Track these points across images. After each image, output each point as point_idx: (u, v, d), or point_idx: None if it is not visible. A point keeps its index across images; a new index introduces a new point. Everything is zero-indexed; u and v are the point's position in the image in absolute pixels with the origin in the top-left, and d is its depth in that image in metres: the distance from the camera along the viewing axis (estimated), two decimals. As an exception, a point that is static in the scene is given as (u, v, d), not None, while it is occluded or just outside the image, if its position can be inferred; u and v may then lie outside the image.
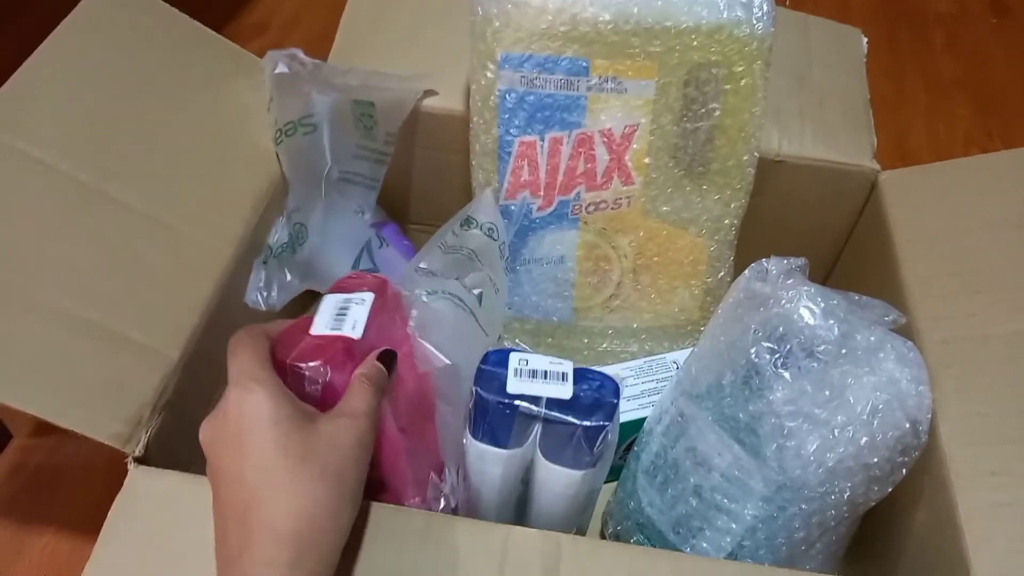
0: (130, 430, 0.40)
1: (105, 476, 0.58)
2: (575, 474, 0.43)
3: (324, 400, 0.38)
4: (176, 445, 0.43)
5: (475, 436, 0.43)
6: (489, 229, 0.54)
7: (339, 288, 0.42)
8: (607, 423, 0.41)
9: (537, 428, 0.42)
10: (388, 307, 0.43)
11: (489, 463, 0.44)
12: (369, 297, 0.41)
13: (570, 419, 0.41)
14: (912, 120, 0.94)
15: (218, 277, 0.47)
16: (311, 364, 0.37)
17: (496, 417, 0.41)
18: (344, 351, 0.38)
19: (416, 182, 0.65)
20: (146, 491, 0.39)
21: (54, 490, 0.59)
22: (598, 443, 0.42)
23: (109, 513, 0.39)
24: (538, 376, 0.42)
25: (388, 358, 0.40)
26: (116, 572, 0.38)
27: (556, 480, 0.44)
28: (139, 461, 0.40)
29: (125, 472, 0.40)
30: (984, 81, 0.99)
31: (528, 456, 0.44)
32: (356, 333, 0.39)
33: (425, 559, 0.37)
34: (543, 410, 0.41)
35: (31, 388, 0.39)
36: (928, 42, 1.04)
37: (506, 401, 0.41)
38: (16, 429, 0.62)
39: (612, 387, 0.43)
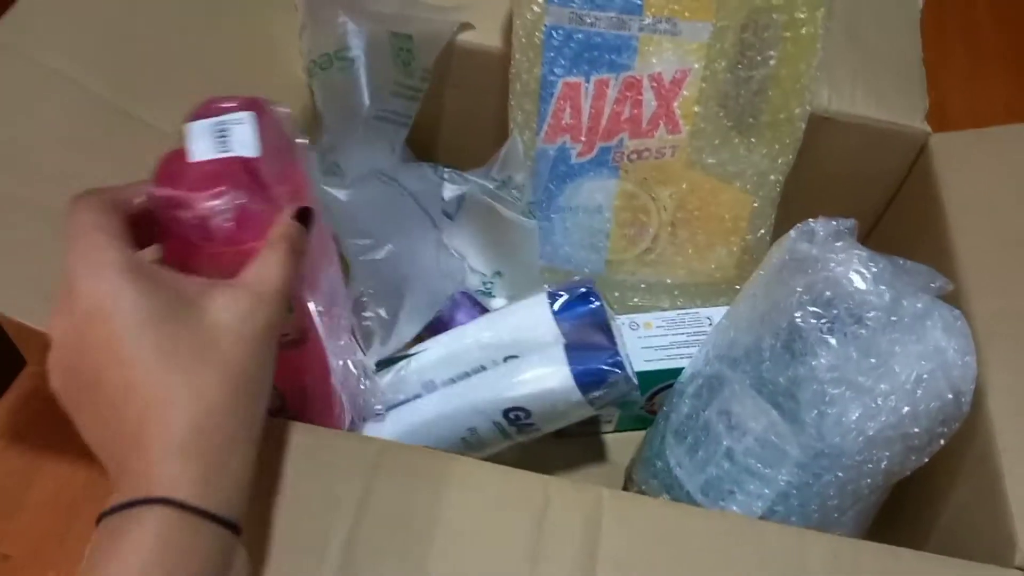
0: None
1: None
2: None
3: (240, 242, 0.31)
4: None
5: None
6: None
7: (202, 115, 0.33)
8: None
9: None
10: (275, 131, 0.34)
11: None
12: (248, 117, 0.32)
13: None
14: (953, 87, 0.91)
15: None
16: (211, 194, 0.29)
17: None
18: (248, 172, 0.30)
19: (445, 122, 0.63)
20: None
21: (68, 419, 0.58)
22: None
23: None
24: None
25: (305, 216, 0.33)
26: None
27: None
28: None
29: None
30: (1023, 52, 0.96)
31: None
32: (252, 152, 0.31)
33: (459, 506, 0.36)
34: None
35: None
36: (971, 10, 1.01)
37: None
38: (30, 356, 0.60)
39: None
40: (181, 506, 0.26)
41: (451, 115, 0.62)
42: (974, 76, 0.93)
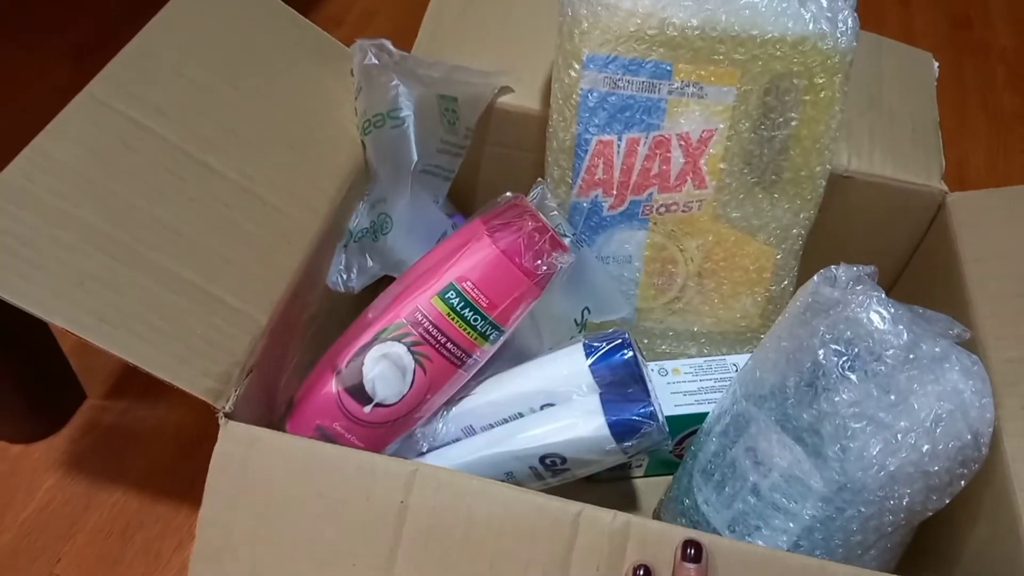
0: (221, 387, 0.42)
1: (174, 439, 0.61)
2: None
3: None
4: (255, 402, 0.45)
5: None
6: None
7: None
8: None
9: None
10: None
11: None
12: None
13: None
14: (972, 151, 0.94)
15: (304, 249, 0.49)
16: None
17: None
18: None
19: (483, 177, 0.67)
20: (239, 444, 0.41)
21: (124, 449, 0.61)
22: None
23: (210, 468, 0.41)
24: None
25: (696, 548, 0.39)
26: (226, 526, 0.40)
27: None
28: (227, 417, 0.42)
29: (193, 436, 0.42)
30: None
31: None
32: None
33: (489, 530, 0.39)
34: None
35: (134, 339, 0.41)
36: (991, 75, 1.04)
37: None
38: (91, 389, 0.64)
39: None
40: None
41: (491, 170, 0.66)
42: (993, 140, 0.96)
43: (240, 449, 0.41)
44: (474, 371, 0.49)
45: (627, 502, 0.60)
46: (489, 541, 0.40)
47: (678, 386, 0.57)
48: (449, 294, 0.47)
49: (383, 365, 0.47)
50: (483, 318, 0.47)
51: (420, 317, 0.47)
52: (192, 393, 0.41)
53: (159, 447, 0.61)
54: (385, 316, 0.48)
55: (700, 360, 0.59)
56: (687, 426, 0.56)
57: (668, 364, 0.58)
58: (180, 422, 0.62)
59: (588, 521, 0.39)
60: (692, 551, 0.38)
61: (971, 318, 0.50)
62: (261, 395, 0.47)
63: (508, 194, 0.52)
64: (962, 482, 0.44)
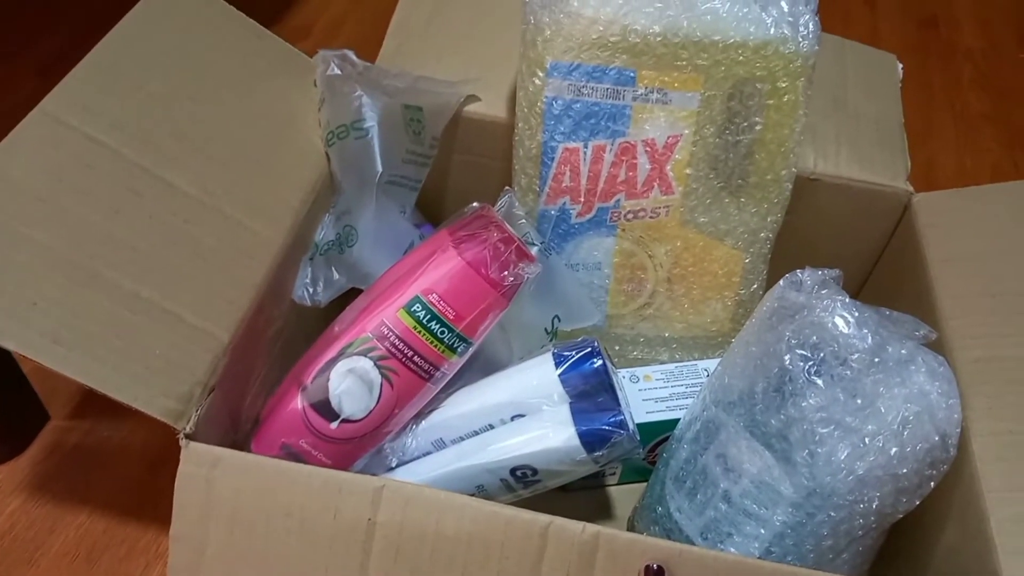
0: (182, 407, 0.42)
1: (139, 459, 0.60)
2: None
3: None
4: (218, 422, 0.44)
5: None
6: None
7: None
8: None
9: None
10: None
11: None
12: None
13: None
14: (940, 152, 0.95)
15: (268, 264, 0.49)
16: None
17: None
18: None
19: (452, 186, 0.67)
20: (202, 465, 0.41)
21: (89, 470, 0.60)
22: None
23: (176, 490, 0.40)
24: None
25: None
26: (197, 546, 0.40)
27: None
28: (188, 438, 0.41)
29: (159, 455, 0.41)
30: (1012, 116, 1.00)
31: None
32: None
33: (457, 543, 0.38)
34: None
35: (89, 361, 0.40)
36: (957, 76, 1.05)
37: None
38: (54, 410, 0.63)
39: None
40: None
41: (459, 179, 0.66)
42: (960, 141, 0.96)
43: (203, 470, 0.41)
44: (442, 384, 0.49)
45: (601, 511, 0.60)
46: (458, 556, 0.39)
47: (649, 392, 0.57)
48: (415, 307, 0.46)
49: (349, 380, 0.46)
50: (450, 331, 0.47)
51: (386, 331, 0.46)
52: (151, 415, 0.40)
53: (125, 467, 0.60)
54: (351, 330, 0.47)
55: (671, 366, 0.59)
56: (659, 433, 0.56)
57: (639, 371, 0.58)
58: (145, 442, 0.61)
59: (557, 533, 0.39)
60: (655, 568, 0.38)
61: (938, 319, 0.51)
62: (224, 414, 0.46)
63: (475, 204, 0.52)
64: (931, 483, 0.44)
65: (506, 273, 0.47)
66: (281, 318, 0.52)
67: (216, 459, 0.41)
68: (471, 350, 0.48)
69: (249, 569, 0.40)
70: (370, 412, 0.46)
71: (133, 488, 0.59)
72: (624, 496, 0.60)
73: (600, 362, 0.50)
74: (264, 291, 0.48)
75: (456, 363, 0.48)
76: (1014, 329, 0.49)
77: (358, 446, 0.48)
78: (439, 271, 0.47)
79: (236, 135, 0.52)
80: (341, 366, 0.46)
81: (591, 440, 0.47)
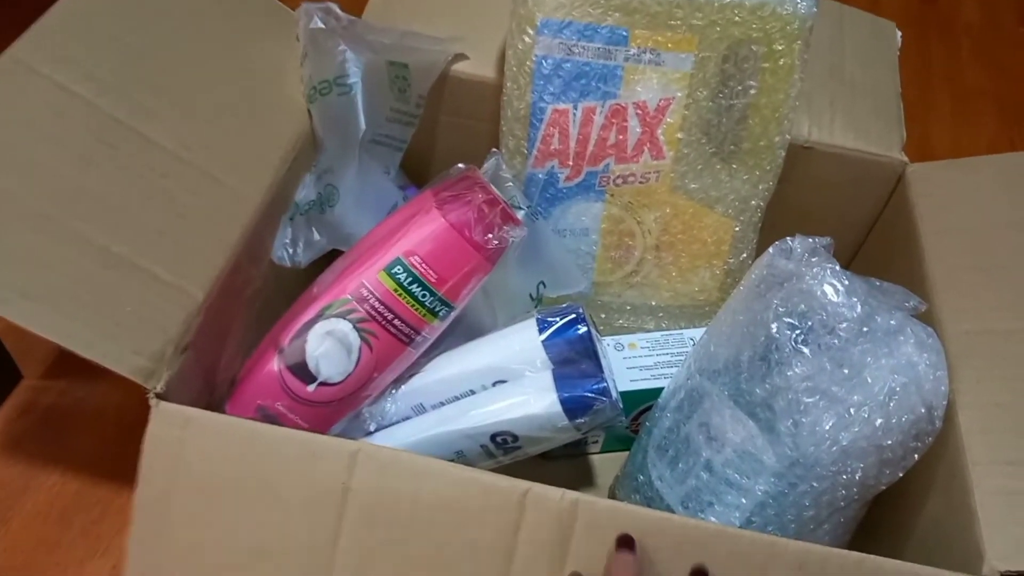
0: (153, 366, 0.40)
1: (114, 420, 0.59)
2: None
3: None
4: (192, 383, 0.43)
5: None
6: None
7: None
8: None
9: None
10: None
11: None
12: None
13: None
14: (936, 125, 0.94)
15: (245, 222, 0.47)
16: None
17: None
18: None
19: (439, 147, 0.65)
20: (172, 425, 0.40)
21: (63, 431, 0.59)
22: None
23: (143, 451, 0.39)
24: None
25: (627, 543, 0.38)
26: (163, 509, 0.39)
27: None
28: (159, 398, 0.40)
29: (134, 417, 0.40)
30: (1009, 90, 0.98)
31: None
32: None
33: (436, 508, 0.37)
34: None
35: (58, 318, 0.39)
36: (955, 49, 1.04)
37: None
38: (28, 369, 0.62)
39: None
40: None
41: (445, 140, 0.64)
42: (957, 115, 0.95)
43: (174, 431, 0.40)
44: (423, 348, 0.48)
45: (582, 478, 0.60)
46: (435, 522, 0.39)
47: (634, 361, 0.56)
48: (396, 269, 0.45)
49: (328, 343, 0.45)
50: (431, 294, 0.45)
51: (366, 293, 0.45)
52: (120, 373, 0.39)
53: (99, 428, 0.59)
54: (330, 292, 0.46)
55: (657, 334, 0.58)
56: (643, 401, 0.56)
57: (624, 339, 0.57)
58: (121, 403, 0.60)
59: (536, 500, 0.38)
60: (625, 541, 0.37)
61: (928, 290, 0.50)
62: (198, 374, 0.45)
63: (460, 165, 0.51)
64: (916, 455, 0.43)
65: (490, 236, 0.46)
66: (259, 278, 0.51)
67: (187, 420, 0.40)
68: (453, 314, 0.47)
69: (217, 535, 0.39)
70: (348, 375, 0.46)
71: (107, 450, 0.58)
72: (606, 464, 0.60)
73: (584, 329, 0.49)
74: (241, 250, 0.47)
75: (437, 328, 0.47)
76: (1004, 302, 0.48)
77: (336, 410, 0.47)
78: (421, 232, 0.45)
79: (215, 89, 0.50)
80: (319, 328, 0.45)
81: (573, 407, 0.46)
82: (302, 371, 0.45)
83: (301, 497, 0.39)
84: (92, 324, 0.40)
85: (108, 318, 0.40)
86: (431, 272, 0.45)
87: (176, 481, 0.39)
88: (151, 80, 0.48)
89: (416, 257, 0.45)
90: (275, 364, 0.46)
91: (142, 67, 0.48)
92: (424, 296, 0.45)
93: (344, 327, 0.45)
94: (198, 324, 0.43)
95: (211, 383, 0.47)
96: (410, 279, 0.45)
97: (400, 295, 0.45)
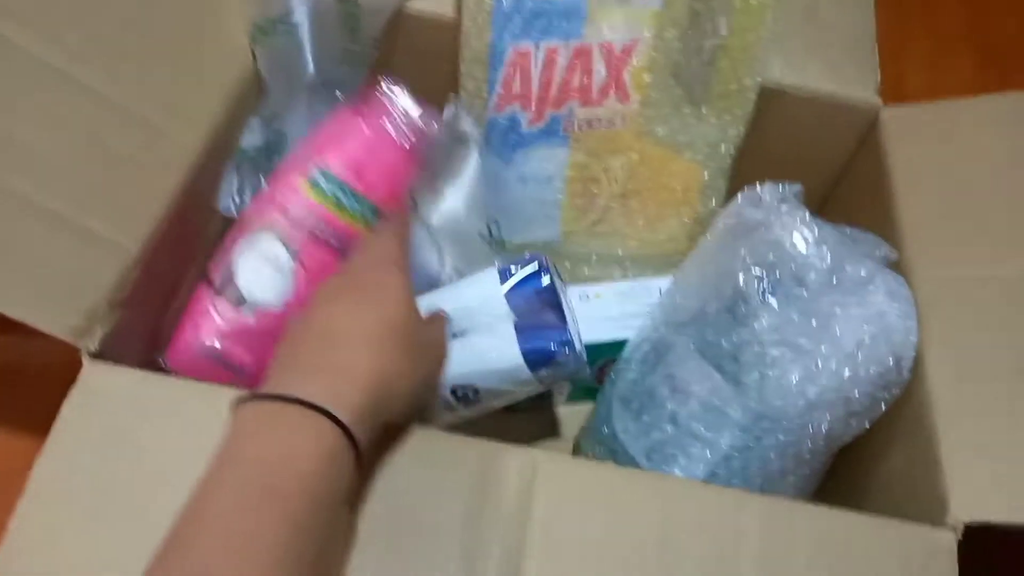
0: (86, 324, 0.38)
1: (60, 381, 0.57)
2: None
3: None
4: (132, 343, 0.41)
5: None
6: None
7: None
8: None
9: None
10: None
11: None
12: None
13: None
14: (911, 68, 0.92)
15: (184, 171, 0.44)
16: None
17: None
18: None
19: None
20: (102, 387, 0.38)
21: (11, 388, 0.57)
22: None
23: (62, 407, 0.37)
24: None
25: None
26: (69, 469, 0.36)
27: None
28: (94, 357, 0.38)
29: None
30: (987, 35, 0.96)
31: None
32: None
33: (394, 469, 0.36)
34: None
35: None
36: (936, -7, 1.01)
37: None
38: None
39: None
40: (343, 427, 0.31)
41: (402, 82, 0.61)
42: (935, 57, 0.93)
43: (103, 389, 0.38)
44: None
45: (547, 430, 0.59)
46: (395, 484, 0.37)
47: (600, 311, 0.55)
48: (318, 179, 0.43)
49: (259, 265, 0.43)
50: (358, 200, 0.44)
51: (292, 209, 0.43)
52: (51, 332, 0.37)
53: (44, 388, 0.56)
54: (256, 214, 0.44)
55: (623, 284, 0.56)
56: (609, 353, 0.54)
57: (590, 289, 0.56)
58: (72, 357, 0.57)
59: (496, 459, 0.37)
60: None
61: (899, 237, 0.48)
62: (140, 331, 0.43)
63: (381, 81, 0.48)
64: (883, 406, 0.43)
65: (409, 133, 0.44)
66: (209, 233, 0.48)
67: (120, 378, 0.37)
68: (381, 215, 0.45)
69: (127, 497, 0.36)
70: (287, 298, 0.43)
71: (55, 407, 0.56)
72: (572, 416, 0.59)
73: (547, 279, 0.47)
74: (181, 200, 0.44)
75: (359, 228, 0.45)
76: (975, 249, 0.47)
77: None
78: (340, 140, 0.44)
79: (148, 28, 0.47)
80: (248, 252, 0.44)
81: (536, 359, 0.45)
82: (235, 295, 0.43)
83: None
84: (18, 281, 0.37)
85: (35, 275, 0.38)
86: (354, 178, 0.44)
87: (92, 439, 0.37)
88: (79, 19, 0.44)
89: (337, 165, 0.44)
90: (208, 299, 0.44)
91: (69, 4, 0.44)
92: (349, 203, 0.44)
93: (273, 247, 0.43)
94: (135, 279, 0.41)
95: (155, 339, 0.45)
96: (333, 187, 0.44)
97: (325, 205, 0.43)
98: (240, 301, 0.43)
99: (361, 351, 0.34)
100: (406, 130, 0.45)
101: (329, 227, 0.43)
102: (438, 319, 0.43)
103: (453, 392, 0.46)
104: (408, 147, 0.44)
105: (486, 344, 0.46)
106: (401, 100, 0.45)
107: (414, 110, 0.46)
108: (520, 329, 0.46)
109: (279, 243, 0.43)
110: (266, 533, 0.27)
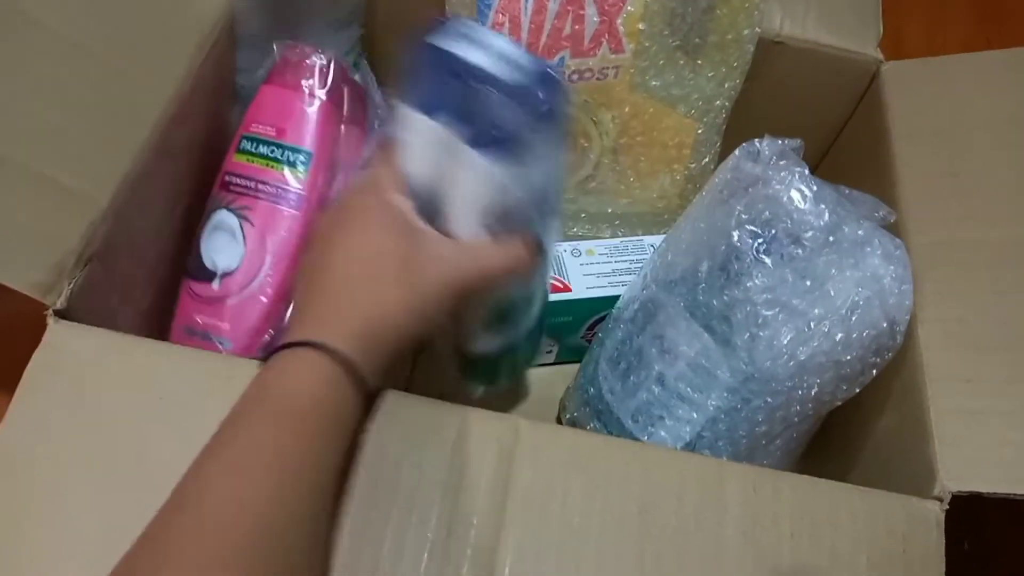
0: (52, 280, 0.36)
1: (31, 334, 0.55)
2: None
3: None
4: (103, 300, 0.39)
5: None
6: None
7: None
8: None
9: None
10: None
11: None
12: None
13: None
14: (910, 22, 0.89)
15: (156, 118, 0.42)
16: None
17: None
18: None
19: (379, 45, 0.60)
20: (68, 347, 0.36)
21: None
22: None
23: (26, 369, 0.35)
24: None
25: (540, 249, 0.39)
26: (33, 433, 0.35)
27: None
28: (61, 315, 0.36)
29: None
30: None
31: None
32: None
33: (373, 437, 0.35)
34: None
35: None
36: (935, -60, 0.98)
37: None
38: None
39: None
40: (334, 352, 0.31)
41: (385, 29, 0.59)
42: (932, 12, 0.91)
43: (69, 350, 0.36)
44: (305, 204, 0.45)
45: (533, 390, 0.58)
46: (374, 450, 0.36)
47: (591, 267, 0.54)
48: (244, 144, 0.46)
49: (215, 235, 0.45)
50: (277, 146, 0.45)
51: (229, 179, 0.45)
52: (14, 288, 0.35)
53: (13, 343, 0.55)
54: (210, 202, 0.46)
55: (616, 240, 0.55)
56: (600, 309, 0.53)
57: (582, 244, 0.55)
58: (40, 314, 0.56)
59: (477, 426, 0.36)
60: None
61: (897, 197, 0.47)
62: (113, 286, 0.41)
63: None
64: (874, 371, 0.42)
65: (312, 80, 0.46)
66: (184, 180, 0.46)
67: (86, 339, 0.36)
68: (314, 159, 0.46)
69: (94, 463, 0.34)
70: (243, 258, 0.44)
71: (20, 366, 0.54)
72: (558, 377, 0.58)
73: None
74: (153, 150, 0.42)
75: (306, 178, 0.45)
76: (973, 211, 0.46)
77: (249, 301, 0.44)
78: (259, 107, 0.47)
79: None
80: (206, 228, 0.45)
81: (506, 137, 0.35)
82: (204, 273, 0.44)
83: (207, 421, 0.35)
84: (-22, 234, 0.35)
85: (-1, 229, 0.36)
86: (269, 128, 0.46)
87: (60, 401, 0.35)
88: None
89: (255, 125, 0.46)
90: (184, 287, 0.45)
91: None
92: (272, 152, 0.45)
93: (222, 215, 0.45)
94: (105, 232, 0.39)
95: (128, 294, 0.43)
96: (256, 144, 0.46)
97: (253, 161, 0.45)
98: (210, 276, 0.44)
99: (349, 283, 0.34)
100: (299, 72, 0.46)
101: (260, 179, 0.45)
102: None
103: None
104: (302, 87, 0.46)
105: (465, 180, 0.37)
106: (295, 53, 0.47)
107: (304, 53, 0.47)
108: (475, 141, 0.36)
109: (225, 211, 0.45)
110: (271, 443, 0.29)
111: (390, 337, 0.34)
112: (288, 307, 0.45)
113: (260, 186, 0.45)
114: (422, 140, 0.37)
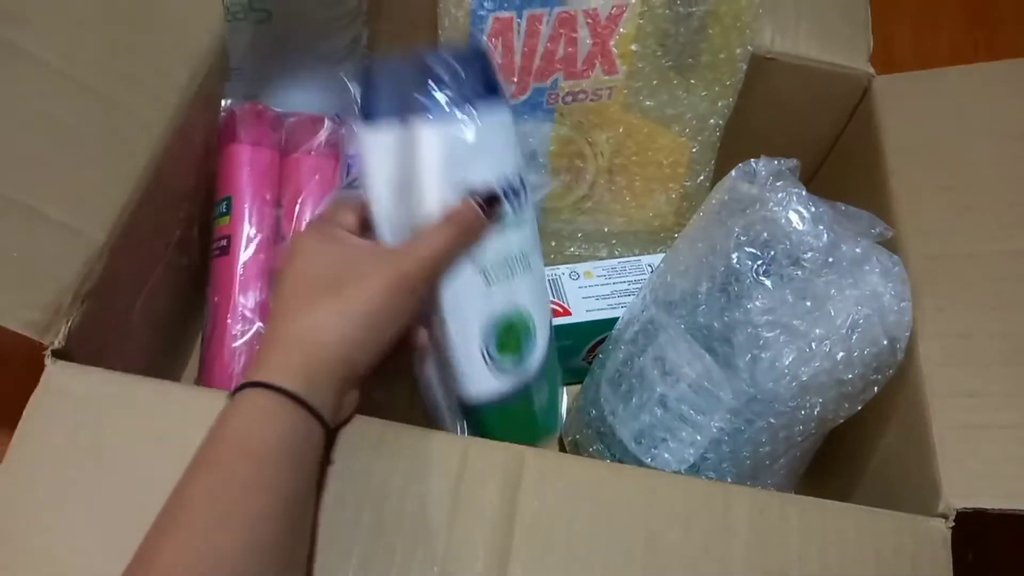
0: (48, 318, 0.36)
1: (25, 372, 0.54)
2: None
3: None
4: (102, 338, 0.39)
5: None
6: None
7: None
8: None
9: None
10: None
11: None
12: None
13: None
14: (898, 27, 0.90)
15: (151, 149, 0.42)
16: None
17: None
18: None
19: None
20: (67, 389, 0.35)
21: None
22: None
23: (24, 412, 0.35)
24: None
25: (492, 202, 0.37)
26: (33, 476, 0.34)
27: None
28: (58, 355, 0.36)
29: (42, 367, 0.35)
30: (976, -8, 0.95)
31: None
32: None
33: (378, 470, 0.35)
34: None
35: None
36: (920, -51, 0.99)
37: None
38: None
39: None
40: (278, 389, 0.32)
41: (382, 51, 0.58)
42: (920, 16, 0.91)
43: (67, 391, 0.35)
44: (246, 252, 0.49)
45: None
46: (378, 481, 0.36)
47: (590, 290, 0.54)
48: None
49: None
50: (224, 203, 0.50)
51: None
52: (10, 328, 0.35)
53: (6, 374, 0.55)
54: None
55: (613, 262, 0.55)
56: (601, 332, 0.53)
57: (580, 267, 0.54)
58: (31, 352, 0.55)
59: (482, 455, 0.36)
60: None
61: (892, 213, 0.47)
62: (109, 322, 0.41)
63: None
64: (875, 388, 0.42)
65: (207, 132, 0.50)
66: (182, 212, 0.46)
67: (85, 379, 0.36)
68: (235, 203, 0.50)
69: (94, 506, 0.34)
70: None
71: (11, 403, 0.54)
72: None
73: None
74: (148, 183, 0.41)
75: (229, 225, 0.50)
76: (968, 225, 0.46)
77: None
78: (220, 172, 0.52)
79: (115, 15, 0.43)
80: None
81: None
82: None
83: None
84: (-28, 274, 0.35)
85: (-9, 267, 0.36)
86: (223, 190, 0.51)
87: (58, 443, 0.34)
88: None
89: (218, 189, 0.51)
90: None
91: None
92: (221, 209, 0.50)
93: None
94: (102, 268, 0.39)
95: (125, 330, 0.43)
96: (218, 207, 0.51)
97: (219, 224, 0.51)
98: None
99: (287, 316, 0.35)
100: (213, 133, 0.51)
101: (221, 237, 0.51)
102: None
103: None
104: (273, 146, 0.52)
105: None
106: (264, 112, 0.52)
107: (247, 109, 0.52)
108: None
109: None
110: (233, 479, 0.30)
111: (333, 359, 0.34)
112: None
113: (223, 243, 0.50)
114: (376, 149, 0.38)
